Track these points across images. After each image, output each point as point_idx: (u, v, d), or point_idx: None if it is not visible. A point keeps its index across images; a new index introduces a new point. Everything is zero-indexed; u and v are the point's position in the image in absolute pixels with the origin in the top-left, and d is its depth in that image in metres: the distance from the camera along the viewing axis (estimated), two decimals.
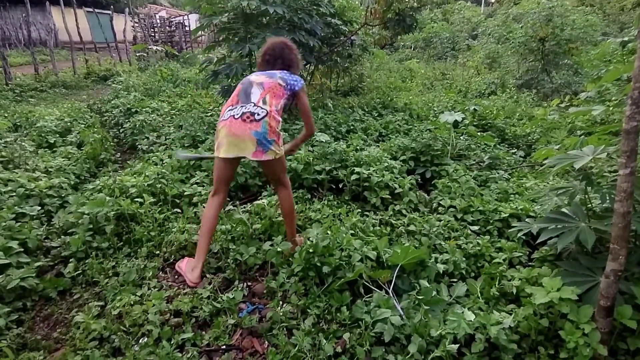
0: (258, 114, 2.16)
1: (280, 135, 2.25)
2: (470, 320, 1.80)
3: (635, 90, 1.44)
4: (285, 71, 2.43)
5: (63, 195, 3.27)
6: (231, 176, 2.42)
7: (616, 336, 1.71)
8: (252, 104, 2.20)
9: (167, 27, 18.07)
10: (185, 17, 20.20)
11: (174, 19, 19.37)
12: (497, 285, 2.13)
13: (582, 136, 2.53)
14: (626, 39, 4.57)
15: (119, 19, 15.64)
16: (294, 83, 2.37)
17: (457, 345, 1.72)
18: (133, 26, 15.34)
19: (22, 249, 2.43)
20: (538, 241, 2.21)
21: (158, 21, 17.90)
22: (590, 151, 2.02)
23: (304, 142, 2.81)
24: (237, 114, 2.18)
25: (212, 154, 2.86)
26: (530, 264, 2.41)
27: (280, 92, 2.30)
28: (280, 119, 2.26)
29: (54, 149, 4.47)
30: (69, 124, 5.40)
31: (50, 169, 3.71)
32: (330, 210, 2.96)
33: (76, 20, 12.33)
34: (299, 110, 2.49)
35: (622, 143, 1.50)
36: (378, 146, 4.45)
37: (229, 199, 3.41)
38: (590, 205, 2.21)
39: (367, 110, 6.34)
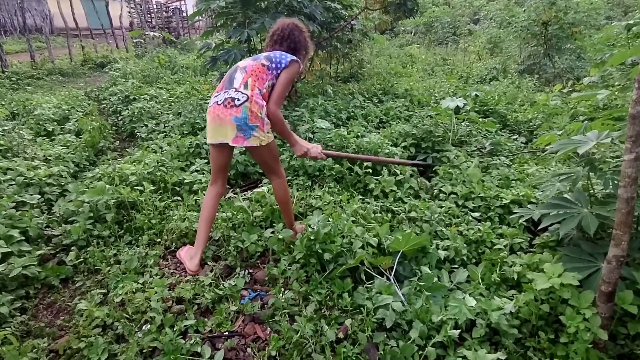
0: (238, 99, 2.12)
1: (264, 121, 2.15)
2: (472, 306, 1.81)
3: None
4: (279, 51, 2.31)
5: (63, 183, 3.26)
6: (226, 164, 2.36)
7: (616, 321, 1.72)
8: (234, 89, 2.16)
9: (164, 13, 17.79)
10: (183, 2, 19.87)
11: (170, 5, 19.04)
12: (498, 271, 2.13)
13: (585, 121, 2.50)
14: (631, 22, 4.49)
15: (114, 5, 15.38)
16: (280, 60, 2.23)
17: (459, 331, 1.74)
18: (129, 12, 15.08)
19: (23, 238, 2.44)
20: (539, 227, 2.21)
21: (155, 7, 17.60)
22: (594, 136, 2.00)
23: (286, 132, 2.33)
24: (220, 100, 2.17)
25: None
26: (531, 250, 2.41)
27: (264, 73, 2.19)
28: (264, 103, 2.17)
29: (53, 137, 4.45)
30: (66, 111, 5.36)
31: (49, 158, 3.69)
32: (331, 197, 2.95)
33: (71, 6, 12.14)
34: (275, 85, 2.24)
35: (628, 128, 1.47)
36: (379, 133, 4.42)
37: (229, 186, 3.40)
38: (592, 191, 2.20)
39: (367, 96, 6.28)
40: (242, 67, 2.25)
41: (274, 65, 2.23)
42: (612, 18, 12.55)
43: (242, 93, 2.14)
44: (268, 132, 2.19)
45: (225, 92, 2.18)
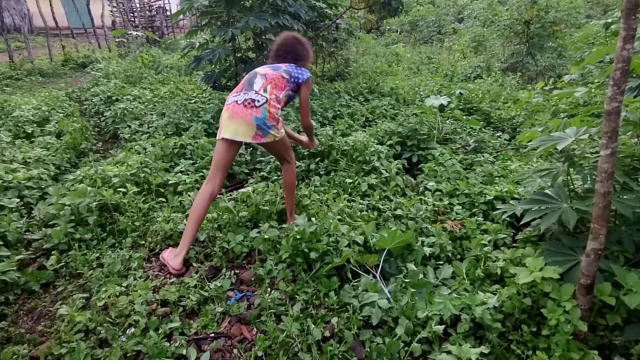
0: (258, 101, 2.33)
1: (279, 120, 2.40)
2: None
3: (616, 71, 1.45)
4: (292, 64, 2.59)
5: (43, 186, 3.18)
6: (231, 160, 2.48)
7: (596, 312, 1.76)
8: (254, 92, 2.37)
9: (147, 12, 17.49)
10: (166, 1, 19.59)
11: (154, 3, 18.74)
12: (482, 267, 2.16)
13: (565, 118, 2.55)
14: (609, 20, 4.60)
15: (96, 3, 15.05)
16: (298, 75, 2.54)
17: (443, 326, 1.76)
18: (111, 11, 14.79)
19: (1, 243, 2.38)
20: (522, 222, 2.25)
21: (138, 5, 17.30)
22: (573, 133, 2.04)
23: (311, 134, 3.00)
24: (240, 100, 2.35)
25: None
26: (514, 245, 2.45)
27: (283, 84, 2.47)
28: (279, 106, 2.42)
29: (32, 139, 4.33)
30: (47, 113, 5.22)
31: (28, 160, 3.59)
32: (318, 196, 2.95)
33: (51, 5, 11.83)
34: (300, 102, 2.66)
35: (603, 124, 1.51)
36: (365, 131, 4.44)
37: None
38: (572, 186, 2.24)
39: (353, 95, 6.29)
40: (262, 73, 2.48)
41: (292, 80, 2.54)
42: (592, 17, 12.83)
43: (262, 96, 2.36)
44: (281, 129, 2.43)
45: (245, 93, 2.38)
